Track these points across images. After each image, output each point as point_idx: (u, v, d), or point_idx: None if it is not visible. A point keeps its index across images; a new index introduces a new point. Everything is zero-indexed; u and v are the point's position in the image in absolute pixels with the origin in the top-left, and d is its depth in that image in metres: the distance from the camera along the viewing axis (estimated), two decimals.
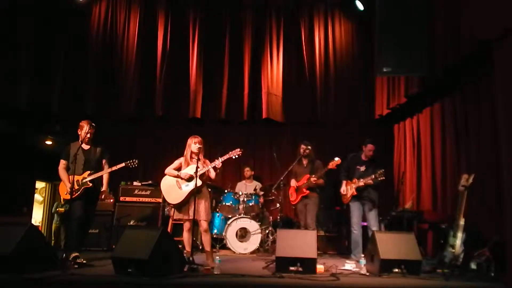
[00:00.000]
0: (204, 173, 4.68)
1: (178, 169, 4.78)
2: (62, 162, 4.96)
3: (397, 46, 5.18)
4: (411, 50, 5.11)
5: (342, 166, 5.61)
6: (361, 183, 5.35)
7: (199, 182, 4.57)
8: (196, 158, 4.62)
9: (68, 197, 4.72)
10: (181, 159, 4.82)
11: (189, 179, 4.63)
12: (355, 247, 5.42)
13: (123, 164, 4.93)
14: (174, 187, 4.70)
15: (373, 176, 5.25)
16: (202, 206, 4.64)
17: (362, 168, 5.51)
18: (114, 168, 4.93)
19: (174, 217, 4.83)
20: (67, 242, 5.30)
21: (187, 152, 4.77)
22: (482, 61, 4.69)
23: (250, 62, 7.45)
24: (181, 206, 4.65)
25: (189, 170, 4.67)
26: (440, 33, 5.05)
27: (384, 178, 5.22)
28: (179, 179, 4.71)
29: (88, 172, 4.89)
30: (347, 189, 5.53)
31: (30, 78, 6.86)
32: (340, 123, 7.51)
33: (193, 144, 4.71)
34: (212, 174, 4.75)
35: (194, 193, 4.47)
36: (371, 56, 6.83)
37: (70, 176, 4.69)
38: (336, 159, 5.51)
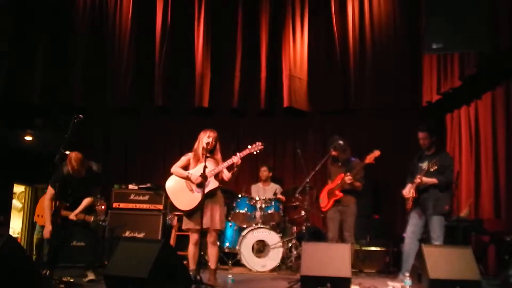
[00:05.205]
0: (219, 173, 4.72)
1: (186, 167, 4.82)
2: (50, 191, 4.96)
3: (450, 17, 5.10)
4: (468, 21, 5.02)
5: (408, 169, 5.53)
6: (417, 179, 5.15)
7: (215, 184, 4.60)
8: (207, 155, 4.64)
9: (41, 222, 4.81)
10: (189, 155, 4.85)
11: (200, 184, 4.64)
12: (405, 264, 5.25)
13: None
14: (184, 189, 4.76)
15: (426, 168, 5.05)
16: (218, 213, 4.71)
17: (424, 165, 5.30)
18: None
19: (183, 227, 4.87)
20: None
21: (197, 147, 4.80)
22: None
23: (268, 38, 7.40)
24: (193, 213, 4.68)
25: (200, 170, 4.70)
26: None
27: (436, 167, 5.02)
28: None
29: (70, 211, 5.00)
30: (409, 191, 5.30)
31: (5, 63, 6.98)
32: (378, 113, 7.45)
33: (205, 138, 4.73)
34: (226, 175, 4.77)
35: (204, 197, 4.52)
36: (417, 30, 6.75)
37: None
38: (375, 151, 5.48)
